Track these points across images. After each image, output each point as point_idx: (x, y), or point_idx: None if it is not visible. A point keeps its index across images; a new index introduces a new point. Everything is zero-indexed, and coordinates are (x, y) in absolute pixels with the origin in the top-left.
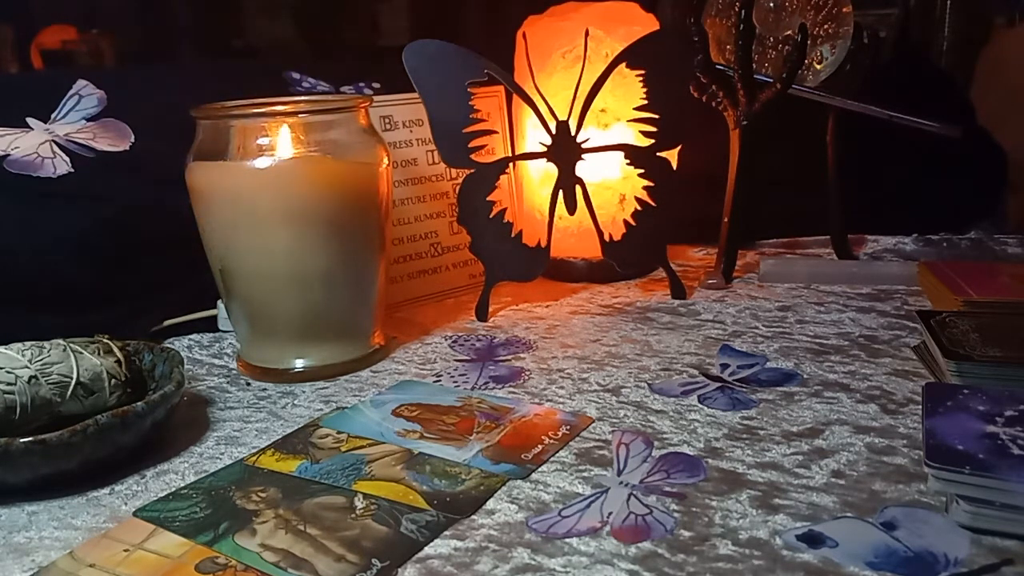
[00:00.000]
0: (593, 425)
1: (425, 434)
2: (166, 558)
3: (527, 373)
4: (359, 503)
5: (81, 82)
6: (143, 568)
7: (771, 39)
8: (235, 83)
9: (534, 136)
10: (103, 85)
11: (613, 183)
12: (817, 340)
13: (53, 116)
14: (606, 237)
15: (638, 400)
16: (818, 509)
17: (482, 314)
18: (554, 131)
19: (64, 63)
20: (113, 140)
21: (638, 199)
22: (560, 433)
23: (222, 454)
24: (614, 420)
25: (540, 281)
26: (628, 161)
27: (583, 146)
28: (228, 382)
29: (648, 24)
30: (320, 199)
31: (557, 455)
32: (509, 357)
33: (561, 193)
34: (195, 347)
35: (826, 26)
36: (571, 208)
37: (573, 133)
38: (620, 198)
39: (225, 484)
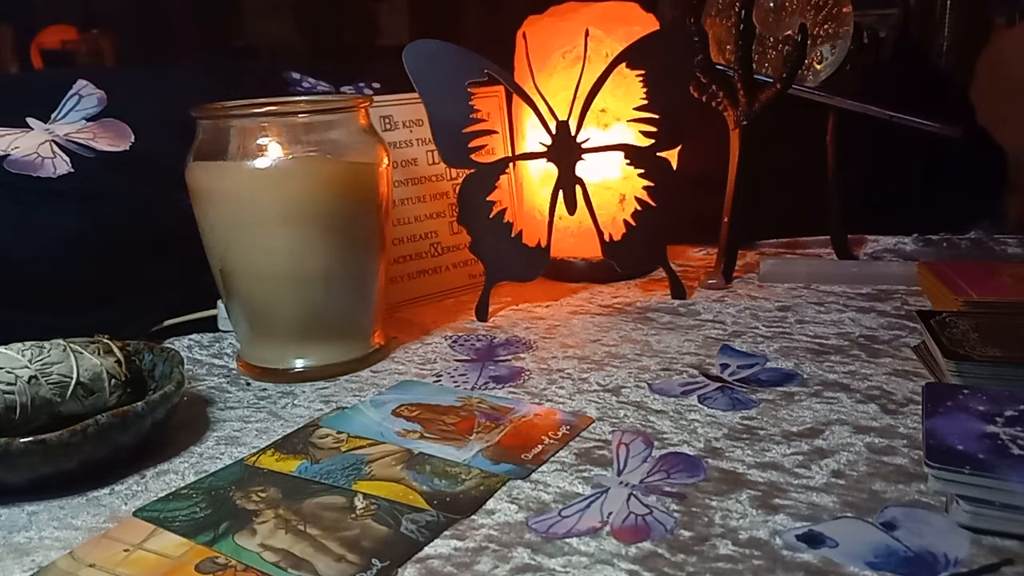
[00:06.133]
0: (593, 425)
1: (425, 434)
2: (166, 558)
3: (527, 373)
4: (359, 503)
5: (81, 82)
6: (143, 568)
7: (771, 39)
8: (235, 83)
9: (534, 136)
10: (103, 85)
11: (613, 183)
12: (817, 340)
13: (53, 116)
14: (606, 237)
15: (638, 400)
16: (818, 509)
17: (482, 314)
18: (554, 131)
19: (64, 63)
20: (113, 140)
21: (638, 199)
22: (560, 433)
23: (222, 454)
24: (614, 420)
25: (540, 281)
26: (628, 161)
27: (583, 146)
28: (228, 382)
29: (648, 24)
30: (320, 199)
31: (557, 455)
32: (509, 357)
33: (561, 193)
34: (195, 347)
35: (826, 26)
36: (571, 208)
37: (573, 133)
38: (620, 198)
39: (225, 484)
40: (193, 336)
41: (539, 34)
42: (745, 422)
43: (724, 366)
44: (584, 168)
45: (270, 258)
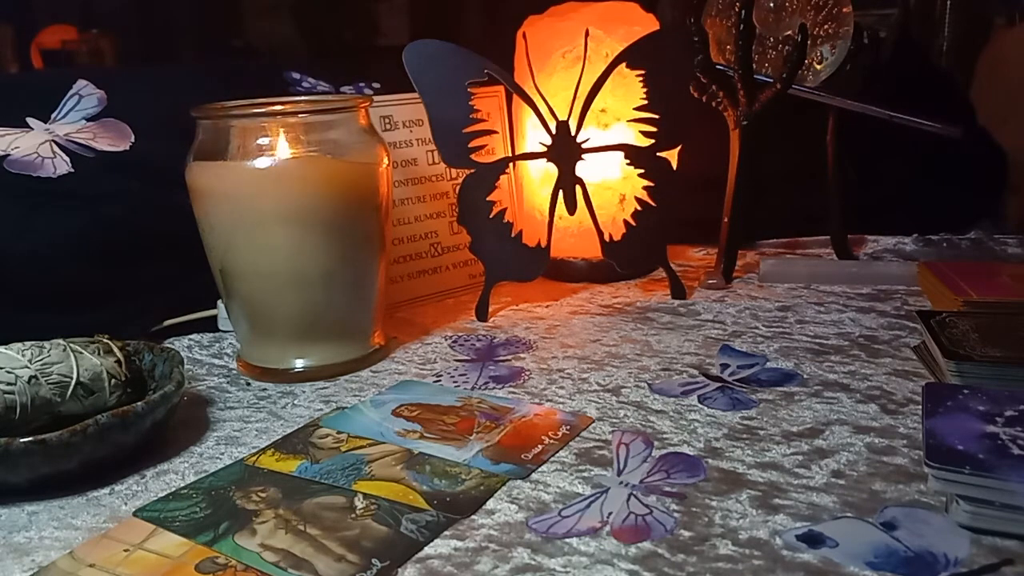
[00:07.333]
0: (593, 425)
1: (425, 434)
2: (166, 558)
3: (527, 373)
4: (359, 503)
5: (81, 82)
6: (143, 568)
7: (771, 39)
8: (235, 83)
9: (534, 136)
10: (103, 85)
11: (613, 183)
12: (817, 340)
13: (53, 116)
14: (606, 237)
15: (638, 400)
16: (818, 509)
17: (482, 314)
18: (554, 131)
19: (64, 63)
20: (113, 140)
21: (638, 199)
22: (560, 433)
23: (222, 454)
24: (614, 420)
25: (540, 281)
26: (628, 161)
27: (583, 146)
28: (228, 382)
29: (648, 24)
30: (320, 199)
31: (557, 455)
32: (509, 357)
33: (561, 193)
34: (195, 347)
35: (826, 26)
36: (571, 208)
37: (573, 133)
38: (620, 198)
39: (225, 484)
40: (193, 336)
41: (539, 34)
42: (745, 422)
43: (724, 366)
44: (584, 168)
45: (270, 258)
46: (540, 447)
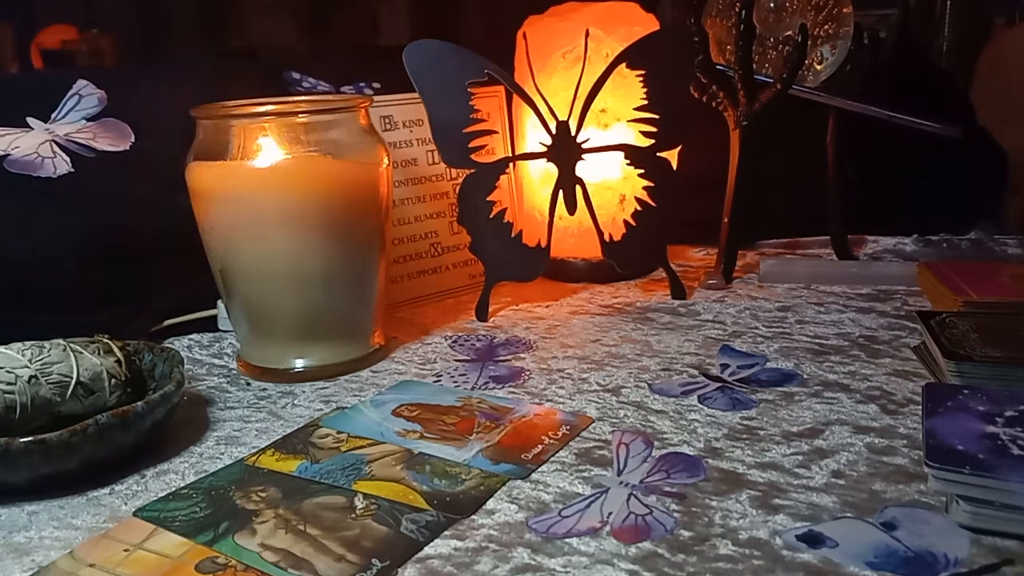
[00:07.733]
0: (593, 425)
1: (425, 434)
2: (166, 558)
3: (527, 373)
4: (359, 503)
5: (81, 82)
6: (143, 568)
7: (771, 39)
8: (235, 83)
9: (534, 136)
10: (103, 85)
11: (613, 183)
12: (817, 340)
13: (53, 116)
14: (606, 237)
15: (638, 400)
16: (818, 509)
17: (482, 314)
18: (554, 131)
19: (64, 63)
20: (113, 140)
21: (638, 199)
22: (560, 433)
23: (222, 454)
24: (614, 420)
25: (540, 281)
26: (628, 161)
27: (583, 146)
28: (228, 382)
29: (648, 24)
30: (320, 199)
31: (557, 455)
32: (509, 357)
33: (561, 193)
34: (195, 347)
35: (826, 26)
36: (571, 208)
37: (573, 133)
38: (620, 198)
39: (225, 484)
40: (193, 336)
41: (539, 34)
42: (745, 422)
43: (724, 366)
44: (584, 168)
45: (270, 258)
46: (540, 447)
